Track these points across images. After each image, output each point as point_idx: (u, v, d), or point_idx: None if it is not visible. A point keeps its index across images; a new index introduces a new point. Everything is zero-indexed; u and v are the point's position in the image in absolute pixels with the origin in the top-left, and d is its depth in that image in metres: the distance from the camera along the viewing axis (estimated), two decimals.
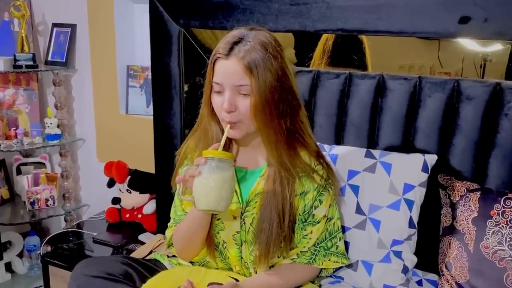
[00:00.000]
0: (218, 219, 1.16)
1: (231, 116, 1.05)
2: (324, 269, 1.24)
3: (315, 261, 1.19)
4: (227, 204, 1.01)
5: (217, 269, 1.22)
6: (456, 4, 1.26)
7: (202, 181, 0.99)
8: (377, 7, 1.35)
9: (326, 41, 1.61)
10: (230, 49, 1.03)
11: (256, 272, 1.18)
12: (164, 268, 1.26)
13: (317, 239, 1.18)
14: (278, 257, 1.18)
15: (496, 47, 1.37)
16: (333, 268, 1.25)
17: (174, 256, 1.29)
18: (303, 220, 1.16)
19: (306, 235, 1.17)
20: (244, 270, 1.20)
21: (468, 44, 1.39)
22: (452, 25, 1.28)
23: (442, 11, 1.29)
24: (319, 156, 1.17)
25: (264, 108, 1.03)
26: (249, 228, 1.14)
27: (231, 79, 1.03)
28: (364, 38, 1.56)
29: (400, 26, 1.35)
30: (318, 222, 1.17)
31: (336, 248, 1.22)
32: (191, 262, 1.25)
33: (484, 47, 1.39)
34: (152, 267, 1.22)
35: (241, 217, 1.15)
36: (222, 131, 1.12)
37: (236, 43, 1.03)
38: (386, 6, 1.34)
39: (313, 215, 1.16)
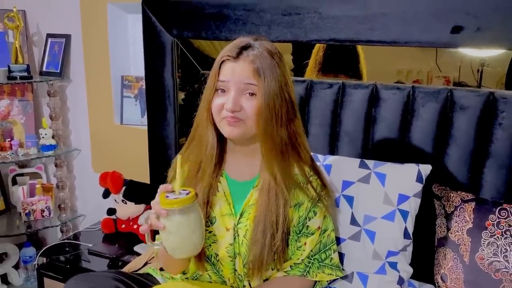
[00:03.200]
0: (210, 232, 1.15)
1: (234, 115, 1.04)
2: (318, 281, 1.23)
3: (309, 273, 1.18)
4: (202, 243, 1.00)
5: (211, 282, 1.21)
6: (448, 13, 1.26)
7: (170, 237, 0.95)
8: (370, 18, 1.36)
9: (317, 52, 1.61)
10: (239, 53, 1.04)
11: (250, 285, 1.17)
12: (157, 282, 1.24)
13: (311, 251, 1.17)
14: (272, 269, 1.17)
15: (494, 52, 1.36)
16: (327, 280, 1.24)
17: None
18: (297, 232, 1.15)
19: (300, 246, 1.16)
20: (238, 282, 1.19)
21: (466, 49, 1.38)
22: (444, 35, 1.28)
23: (434, 21, 1.29)
24: (313, 169, 1.16)
25: (267, 113, 1.03)
26: (242, 240, 1.13)
27: (238, 76, 1.03)
28: (359, 48, 1.56)
29: (392, 36, 1.35)
30: (312, 234, 1.16)
31: (330, 261, 1.21)
32: (184, 273, 1.23)
33: (481, 52, 1.38)
34: (144, 282, 1.20)
35: (234, 229, 1.14)
36: (219, 137, 1.11)
37: (245, 47, 1.05)
38: (378, 16, 1.34)
39: (307, 226, 1.15)
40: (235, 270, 1.16)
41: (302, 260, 1.17)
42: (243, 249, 1.13)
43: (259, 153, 1.11)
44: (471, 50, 1.38)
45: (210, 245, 1.16)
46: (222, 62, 1.05)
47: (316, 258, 1.19)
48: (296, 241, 1.15)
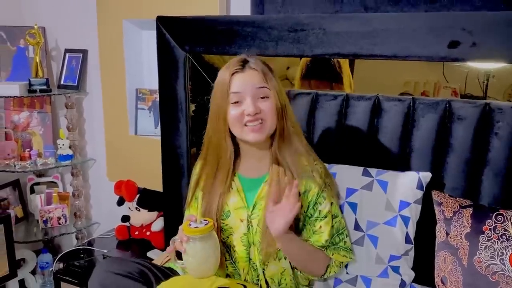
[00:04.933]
0: (226, 225, 1.27)
1: (255, 117, 1.17)
2: (329, 266, 1.30)
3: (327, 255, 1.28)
4: (216, 267, 1.16)
5: (228, 275, 1.30)
6: (445, 29, 1.33)
7: (189, 259, 1.13)
8: (371, 33, 1.42)
9: (301, 67, 1.70)
10: (242, 65, 1.20)
11: (264, 274, 1.26)
12: (177, 274, 1.33)
13: (328, 234, 1.26)
14: (285, 258, 1.26)
15: (499, 64, 1.38)
16: (340, 264, 1.32)
17: None
18: (310, 216, 1.25)
19: (316, 230, 1.25)
20: (252, 272, 1.27)
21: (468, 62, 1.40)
22: (442, 50, 1.35)
23: (432, 36, 1.35)
24: (316, 159, 1.29)
25: (280, 110, 1.20)
26: (256, 229, 1.24)
27: (251, 84, 1.18)
28: (341, 62, 1.62)
29: (393, 51, 1.41)
30: (325, 217, 1.25)
31: (344, 244, 1.30)
32: None
33: (486, 64, 1.40)
34: (166, 272, 1.30)
35: (248, 220, 1.25)
36: (236, 146, 1.25)
37: (246, 61, 1.22)
38: (380, 32, 1.41)
39: (319, 211, 1.25)
40: (250, 259, 1.26)
41: (324, 241, 1.26)
42: (257, 238, 1.23)
43: (268, 154, 1.25)
44: (477, 62, 1.40)
45: (227, 237, 1.27)
46: (232, 75, 1.19)
47: (331, 241, 1.28)
48: (311, 225, 1.25)
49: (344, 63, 1.64)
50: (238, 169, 1.30)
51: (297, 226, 1.25)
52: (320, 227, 1.25)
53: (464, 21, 1.31)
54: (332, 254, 1.28)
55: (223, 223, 1.27)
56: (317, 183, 1.24)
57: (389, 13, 1.50)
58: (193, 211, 1.35)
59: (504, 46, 1.28)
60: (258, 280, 1.28)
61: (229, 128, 1.21)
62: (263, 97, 1.18)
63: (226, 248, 1.28)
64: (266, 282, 1.27)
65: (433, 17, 1.37)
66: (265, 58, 1.56)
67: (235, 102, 1.18)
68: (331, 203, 1.28)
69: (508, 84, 1.38)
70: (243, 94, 1.17)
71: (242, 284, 1.23)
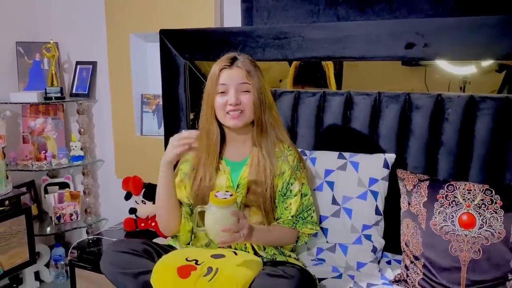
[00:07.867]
0: None
1: (236, 108, 1.38)
2: (300, 236, 1.51)
3: (296, 228, 1.49)
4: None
5: (219, 248, 1.50)
6: (402, 34, 1.60)
7: (210, 223, 1.25)
8: (341, 39, 1.69)
9: (293, 70, 1.89)
10: (231, 62, 1.41)
11: (245, 245, 1.46)
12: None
13: (297, 210, 1.47)
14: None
15: (472, 69, 1.56)
16: (308, 235, 1.52)
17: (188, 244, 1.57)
18: (283, 195, 1.47)
19: (287, 207, 1.47)
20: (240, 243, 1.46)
21: (448, 68, 1.59)
22: (400, 50, 1.61)
23: (391, 39, 1.62)
24: (291, 145, 1.51)
25: (258, 104, 1.40)
26: (240, 205, 1.45)
27: (236, 79, 1.39)
28: (327, 65, 1.79)
29: (360, 53, 1.68)
30: (295, 195, 1.47)
31: (311, 218, 1.51)
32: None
33: (463, 70, 1.57)
34: (166, 248, 1.50)
35: None
36: (221, 130, 1.46)
37: (235, 58, 1.43)
38: (348, 37, 1.68)
39: (290, 190, 1.47)
40: None
41: (291, 217, 1.47)
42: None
43: (249, 140, 1.48)
44: (454, 69, 1.57)
45: None
46: (220, 70, 1.40)
47: (300, 216, 1.49)
48: (283, 202, 1.47)
49: (330, 67, 1.81)
50: (224, 154, 1.50)
51: (274, 204, 1.46)
52: (290, 204, 1.47)
53: (418, 27, 1.58)
54: (301, 229, 1.49)
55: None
56: (289, 166, 1.46)
57: (356, 22, 1.76)
58: (181, 189, 1.51)
59: (450, 46, 1.55)
60: (246, 247, 1.47)
61: (216, 115, 1.44)
62: (244, 91, 1.39)
63: None
64: (253, 249, 1.47)
65: (393, 24, 1.64)
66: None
67: (222, 92, 1.39)
68: (302, 184, 1.49)
69: (489, 90, 1.55)
70: (228, 86, 1.39)
71: (233, 251, 1.43)
